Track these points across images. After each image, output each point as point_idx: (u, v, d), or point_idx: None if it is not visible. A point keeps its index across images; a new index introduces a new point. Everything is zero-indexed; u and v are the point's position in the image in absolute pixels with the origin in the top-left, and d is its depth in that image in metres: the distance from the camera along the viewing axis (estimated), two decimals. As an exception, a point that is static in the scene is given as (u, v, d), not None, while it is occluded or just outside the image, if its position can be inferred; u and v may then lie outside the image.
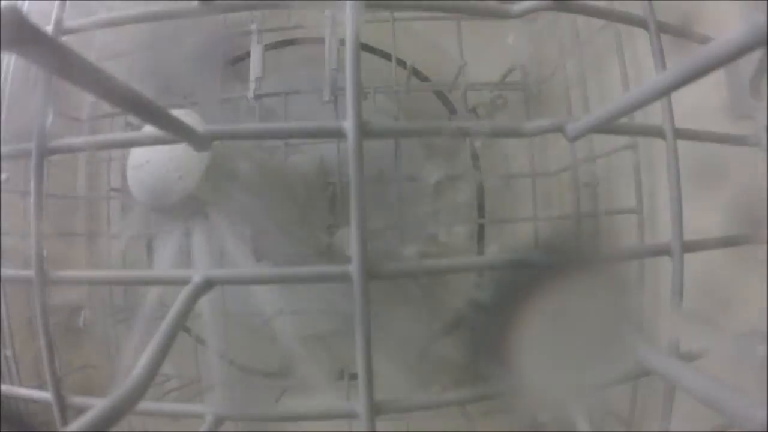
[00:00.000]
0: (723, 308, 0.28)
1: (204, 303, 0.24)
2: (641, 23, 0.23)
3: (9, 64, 0.29)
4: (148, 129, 0.22)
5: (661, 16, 0.23)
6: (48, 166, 0.20)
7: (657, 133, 0.22)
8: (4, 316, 0.27)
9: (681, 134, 0.21)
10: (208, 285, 0.19)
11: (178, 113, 0.26)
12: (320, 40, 0.40)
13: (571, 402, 0.18)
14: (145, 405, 0.17)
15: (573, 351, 0.19)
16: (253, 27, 0.42)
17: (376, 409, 0.18)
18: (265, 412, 0.20)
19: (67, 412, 0.21)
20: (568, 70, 0.42)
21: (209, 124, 0.19)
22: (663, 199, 0.26)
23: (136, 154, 0.27)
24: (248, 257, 0.31)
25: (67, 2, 0.21)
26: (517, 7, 0.22)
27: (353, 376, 0.40)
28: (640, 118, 0.27)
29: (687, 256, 0.21)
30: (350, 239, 0.18)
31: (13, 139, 0.21)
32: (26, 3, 0.27)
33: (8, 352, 0.33)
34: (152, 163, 0.26)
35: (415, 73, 0.46)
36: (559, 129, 0.19)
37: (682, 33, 0.23)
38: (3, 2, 0.09)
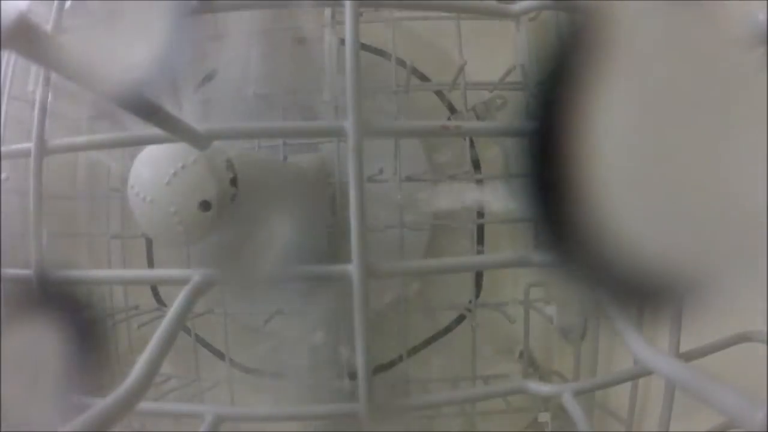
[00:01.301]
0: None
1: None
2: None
3: (9, 65, 0.29)
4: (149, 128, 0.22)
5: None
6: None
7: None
8: (3, 316, 0.27)
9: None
10: (207, 285, 0.19)
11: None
12: (320, 40, 0.40)
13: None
14: (145, 405, 0.17)
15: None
16: (253, 27, 0.42)
17: (375, 410, 0.18)
18: (265, 412, 0.20)
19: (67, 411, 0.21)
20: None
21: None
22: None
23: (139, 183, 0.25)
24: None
25: (67, 2, 0.21)
26: (517, 7, 0.22)
27: (353, 376, 0.40)
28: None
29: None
30: (351, 239, 0.18)
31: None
32: (26, 2, 0.27)
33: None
34: (155, 203, 0.25)
35: (415, 72, 0.46)
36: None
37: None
38: (3, 2, 0.09)
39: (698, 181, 0.10)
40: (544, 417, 0.41)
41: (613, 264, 0.10)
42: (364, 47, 0.44)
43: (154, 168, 0.24)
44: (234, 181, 0.26)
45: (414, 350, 0.47)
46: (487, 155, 0.47)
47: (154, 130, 0.18)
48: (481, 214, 0.46)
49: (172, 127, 0.17)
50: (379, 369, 0.45)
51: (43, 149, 0.20)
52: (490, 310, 0.46)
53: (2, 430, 0.10)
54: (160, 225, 0.25)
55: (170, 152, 0.24)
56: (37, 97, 0.21)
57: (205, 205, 0.25)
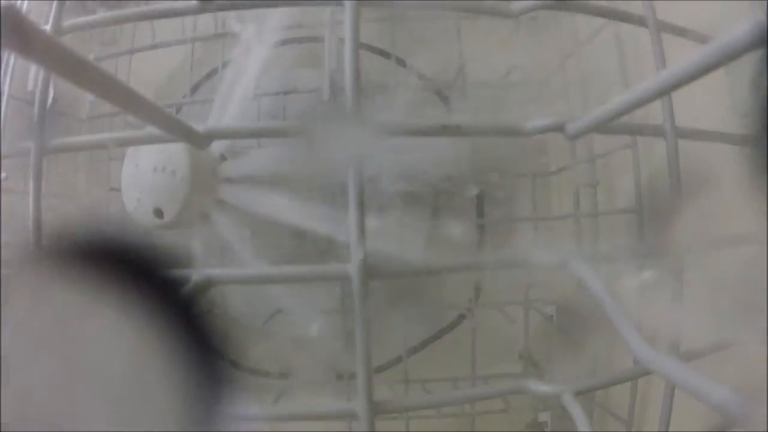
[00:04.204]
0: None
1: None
2: (641, 22, 0.23)
3: (9, 64, 0.29)
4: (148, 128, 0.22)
5: (661, 15, 0.23)
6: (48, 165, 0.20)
7: (657, 132, 0.22)
8: (3, 317, 0.27)
9: (681, 133, 0.21)
10: (207, 284, 0.19)
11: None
12: (320, 39, 0.40)
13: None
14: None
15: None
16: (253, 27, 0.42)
17: (376, 409, 0.18)
18: (265, 412, 0.20)
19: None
20: (568, 70, 0.42)
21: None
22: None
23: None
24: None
25: (67, 2, 0.21)
26: (517, 6, 0.21)
27: (353, 376, 0.40)
28: (640, 117, 0.27)
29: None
30: (350, 238, 0.18)
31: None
32: (25, 2, 0.27)
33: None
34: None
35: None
36: (559, 128, 0.19)
37: (682, 32, 0.23)
38: (2, 2, 0.09)
39: None
40: (544, 417, 0.41)
41: None
42: (364, 47, 0.44)
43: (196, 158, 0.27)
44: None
45: (414, 350, 0.47)
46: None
47: (154, 130, 0.18)
48: (480, 214, 0.46)
49: (172, 127, 0.17)
50: (378, 369, 0.45)
51: (43, 149, 0.20)
52: (490, 309, 0.46)
53: (2, 430, 0.09)
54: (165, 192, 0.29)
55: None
56: (37, 97, 0.21)
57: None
